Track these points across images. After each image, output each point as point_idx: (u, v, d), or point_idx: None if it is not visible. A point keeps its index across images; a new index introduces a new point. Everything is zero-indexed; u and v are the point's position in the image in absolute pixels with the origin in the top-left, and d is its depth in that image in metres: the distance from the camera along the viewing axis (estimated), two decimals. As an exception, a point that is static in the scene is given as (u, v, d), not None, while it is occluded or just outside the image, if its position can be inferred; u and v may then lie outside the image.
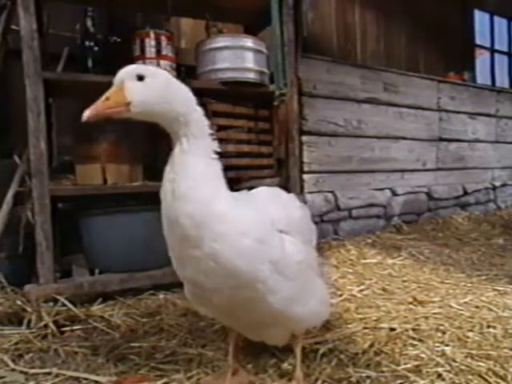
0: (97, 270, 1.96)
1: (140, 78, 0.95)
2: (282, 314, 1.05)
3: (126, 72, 0.96)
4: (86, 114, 0.93)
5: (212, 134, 1.03)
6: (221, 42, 2.15)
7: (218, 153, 1.03)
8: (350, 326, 1.55)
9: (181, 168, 0.96)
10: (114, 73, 0.98)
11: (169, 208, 0.95)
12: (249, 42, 2.18)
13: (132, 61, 2.12)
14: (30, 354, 1.40)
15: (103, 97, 0.95)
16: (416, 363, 1.26)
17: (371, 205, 3.65)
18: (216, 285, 0.96)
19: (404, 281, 2.15)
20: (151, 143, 2.58)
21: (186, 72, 2.39)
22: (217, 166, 1.01)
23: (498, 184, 4.81)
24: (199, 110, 1.04)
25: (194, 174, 0.95)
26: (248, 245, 0.95)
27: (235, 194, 1.07)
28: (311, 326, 1.24)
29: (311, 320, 1.18)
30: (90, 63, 2.13)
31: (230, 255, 0.93)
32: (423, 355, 1.31)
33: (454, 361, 1.27)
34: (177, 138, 1.00)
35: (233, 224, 0.94)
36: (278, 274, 1.00)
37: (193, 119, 1.00)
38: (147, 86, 0.95)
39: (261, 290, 0.99)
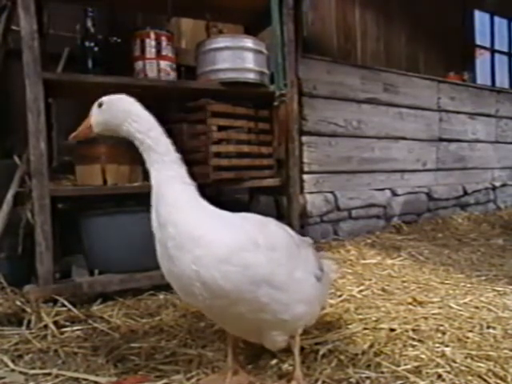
0: (96, 271, 1.96)
1: (100, 105, 1.16)
2: (274, 321, 1.08)
3: (96, 102, 1.17)
4: (71, 136, 1.25)
5: (180, 158, 1.10)
6: (221, 42, 2.15)
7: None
8: (349, 326, 1.56)
9: (158, 197, 1.03)
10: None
11: (156, 231, 1.04)
12: (249, 42, 2.18)
13: (132, 61, 2.13)
14: (30, 355, 1.40)
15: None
16: (416, 364, 1.26)
17: (371, 205, 3.65)
18: (204, 301, 1.01)
19: (404, 281, 2.15)
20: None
21: (186, 72, 2.39)
22: (192, 190, 1.08)
23: (497, 184, 4.81)
24: (159, 131, 1.13)
25: (172, 201, 1.01)
26: (229, 269, 0.97)
27: (222, 213, 1.10)
28: (306, 325, 1.24)
29: (304, 321, 1.18)
30: (90, 63, 2.13)
31: (212, 278, 0.96)
32: (423, 356, 1.31)
33: (454, 361, 1.27)
34: (150, 166, 1.09)
35: (212, 248, 0.97)
36: (269, 288, 1.02)
37: (153, 139, 1.10)
38: (102, 111, 1.15)
39: (250, 307, 1.02)
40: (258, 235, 1.04)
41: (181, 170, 1.07)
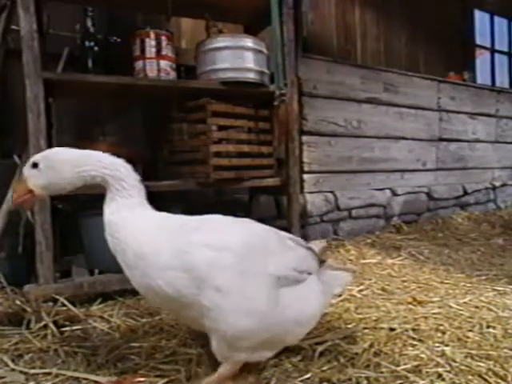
0: (96, 270, 1.96)
1: (34, 165, 1.05)
2: (213, 330, 1.05)
3: (26, 164, 1.07)
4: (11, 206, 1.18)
5: (140, 183, 1.11)
6: (221, 42, 2.15)
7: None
8: (349, 326, 1.55)
9: (111, 224, 1.07)
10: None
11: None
12: (249, 42, 2.18)
13: (132, 61, 2.13)
14: (30, 354, 1.39)
15: (11, 189, 1.12)
16: (416, 363, 1.26)
17: (371, 205, 3.65)
18: (163, 305, 1.12)
19: (404, 281, 2.15)
20: (151, 143, 2.59)
21: (185, 72, 2.39)
22: (152, 216, 1.10)
23: (497, 184, 4.81)
24: (115, 164, 1.10)
25: (122, 228, 1.05)
26: (170, 275, 0.99)
27: (171, 221, 1.10)
28: (262, 354, 1.11)
29: (251, 342, 1.04)
30: (90, 63, 2.13)
31: (159, 286, 1.01)
32: (423, 355, 1.31)
33: (454, 361, 1.27)
34: (109, 198, 1.09)
35: (154, 259, 1.01)
36: (214, 291, 0.99)
37: (111, 176, 1.07)
38: (41, 172, 1.05)
39: (198, 312, 1.02)
40: (201, 236, 1.03)
41: (133, 193, 1.09)
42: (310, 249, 1.27)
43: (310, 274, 1.19)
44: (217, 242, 1.02)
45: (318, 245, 1.40)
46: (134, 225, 1.05)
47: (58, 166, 1.05)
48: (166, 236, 1.03)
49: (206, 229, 1.07)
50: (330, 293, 1.27)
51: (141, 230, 1.04)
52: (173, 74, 2.16)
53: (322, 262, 1.29)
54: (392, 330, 1.51)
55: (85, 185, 1.10)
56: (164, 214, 1.12)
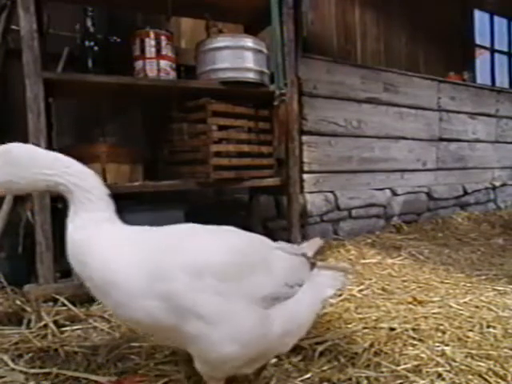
0: (97, 270, 1.96)
1: None
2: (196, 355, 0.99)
3: None
4: None
5: (109, 197, 0.98)
6: (221, 41, 2.15)
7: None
8: (349, 325, 1.55)
9: (74, 245, 0.93)
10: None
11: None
12: (249, 42, 2.18)
13: (132, 61, 2.13)
14: (30, 354, 1.39)
15: None
16: (416, 363, 1.26)
17: (371, 205, 3.65)
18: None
19: (404, 281, 2.14)
20: (151, 143, 2.59)
21: (185, 72, 2.39)
22: (122, 235, 0.96)
23: (497, 184, 4.81)
24: (84, 173, 0.96)
25: (87, 250, 0.92)
26: (146, 304, 0.89)
27: (141, 239, 0.96)
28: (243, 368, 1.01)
29: (237, 361, 0.96)
30: (90, 63, 2.13)
31: (135, 316, 0.91)
32: (423, 355, 1.31)
33: (454, 361, 1.27)
34: (73, 212, 0.95)
35: (127, 289, 0.89)
36: (196, 320, 0.90)
37: (76, 185, 0.94)
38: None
39: (181, 339, 0.96)
40: (179, 259, 0.91)
41: (101, 207, 0.96)
42: (301, 255, 1.18)
43: (301, 285, 1.09)
44: (197, 266, 0.90)
45: (313, 243, 1.35)
46: (103, 247, 0.92)
47: (19, 163, 0.92)
48: (140, 259, 0.91)
49: (184, 248, 0.94)
50: (322, 297, 1.18)
51: (110, 253, 0.91)
52: (173, 74, 2.16)
53: (313, 264, 1.20)
54: (392, 329, 1.51)
55: (47, 190, 0.98)
56: (136, 230, 0.99)
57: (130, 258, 0.91)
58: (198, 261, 0.91)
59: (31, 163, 0.92)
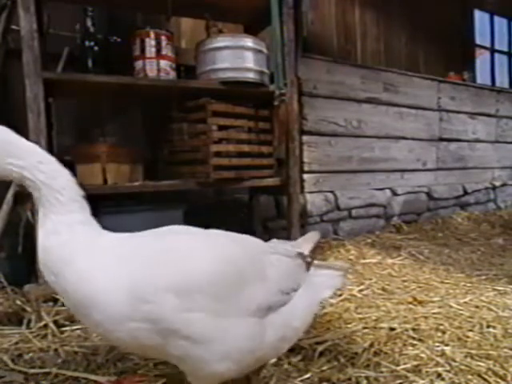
0: (97, 270, 1.95)
1: None
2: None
3: None
4: None
5: (84, 199, 0.90)
6: (221, 41, 2.15)
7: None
8: (349, 325, 1.55)
9: (55, 258, 0.83)
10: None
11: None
12: (249, 41, 2.18)
13: (132, 61, 2.13)
14: (30, 354, 1.39)
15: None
16: (415, 363, 1.26)
17: (371, 205, 3.65)
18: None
19: (404, 281, 2.14)
20: (151, 143, 2.59)
21: (185, 72, 2.39)
22: (100, 243, 0.87)
23: (497, 184, 4.81)
24: (57, 171, 0.88)
25: (63, 259, 0.83)
26: (130, 326, 0.82)
27: (122, 252, 0.86)
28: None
29: (229, 372, 0.89)
30: (90, 63, 2.13)
31: (118, 338, 0.84)
32: (423, 355, 1.31)
33: (454, 360, 1.27)
34: (43, 215, 0.86)
35: (108, 312, 0.81)
36: (182, 340, 0.83)
37: (45, 184, 0.85)
38: None
39: (167, 357, 0.91)
40: (165, 275, 0.83)
41: (73, 209, 0.86)
42: (297, 255, 1.10)
43: (297, 290, 1.02)
44: (185, 284, 0.82)
45: (310, 238, 1.25)
46: (79, 256, 0.82)
47: None
48: (122, 275, 0.81)
49: (169, 260, 0.85)
50: (320, 299, 1.13)
51: (88, 265, 0.82)
52: (173, 74, 2.16)
53: (309, 264, 1.13)
54: (392, 329, 1.51)
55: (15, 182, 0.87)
56: (117, 237, 0.90)
57: (110, 273, 0.81)
58: (187, 279, 0.83)
59: (1, 147, 0.83)
